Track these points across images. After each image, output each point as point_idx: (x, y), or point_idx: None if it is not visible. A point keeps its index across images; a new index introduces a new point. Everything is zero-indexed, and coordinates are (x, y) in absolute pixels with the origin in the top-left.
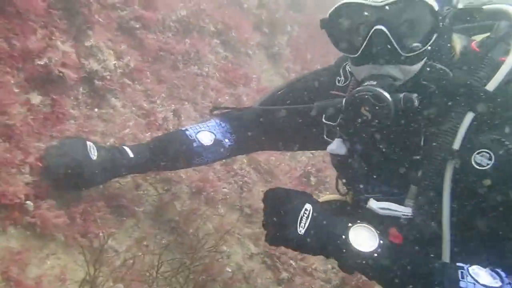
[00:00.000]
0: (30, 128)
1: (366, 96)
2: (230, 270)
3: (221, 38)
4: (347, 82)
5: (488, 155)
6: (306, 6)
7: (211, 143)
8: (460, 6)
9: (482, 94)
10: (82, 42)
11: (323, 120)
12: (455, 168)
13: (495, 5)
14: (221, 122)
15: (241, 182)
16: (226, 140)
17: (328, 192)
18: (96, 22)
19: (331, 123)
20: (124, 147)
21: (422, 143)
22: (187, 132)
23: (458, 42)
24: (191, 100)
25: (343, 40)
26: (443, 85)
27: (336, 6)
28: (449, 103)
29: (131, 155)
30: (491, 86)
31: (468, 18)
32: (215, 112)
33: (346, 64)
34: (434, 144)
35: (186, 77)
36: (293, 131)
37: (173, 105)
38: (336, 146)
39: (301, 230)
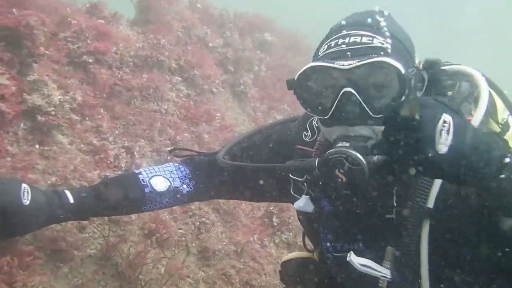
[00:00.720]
0: None
1: (340, 159)
2: None
3: (183, 75)
4: (314, 137)
5: None
6: (273, 47)
7: (165, 189)
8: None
9: None
10: (26, 75)
11: (290, 175)
12: (432, 225)
13: (455, 65)
14: (180, 166)
15: (198, 223)
16: (184, 186)
17: (290, 233)
18: (43, 55)
19: (298, 179)
20: (66, 191)
21: (394, 202)
22: (140, 176)
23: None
24: (147, 137)
25: (312, 102)
26: None
27: (304, 68)
28: None
29: (71, 200)
30: None
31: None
32: (174, 153)
33: (313, 119)
34: (408, 203)
35: (142, 114)
36: (257, 184)
37: (126, 142)
38: (304, 203)
39: None
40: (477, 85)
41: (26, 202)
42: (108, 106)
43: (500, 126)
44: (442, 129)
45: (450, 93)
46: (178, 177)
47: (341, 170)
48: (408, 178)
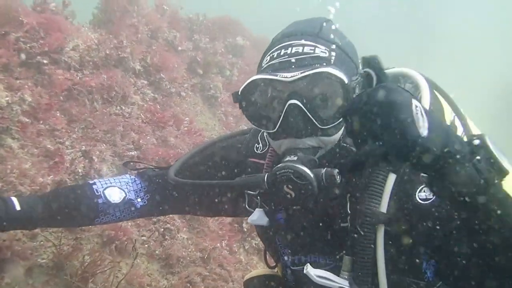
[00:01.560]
0: None
1: (287, 174)
2: None
3: (149, 78)
4: (266, 149)
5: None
6: (245, 51)
7: (119, 201)
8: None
9: None
10: None
11: (243, 190)
12: (387, 231)
13: (395, 68)
14: (136, 179)
15: (162, 229)
16: (139, 200)
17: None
18: None
19: (252, 192)
20: (12, 198)
21: (348, 209)
22: (94, 186)
23: None
24: (109, 141)
25: (258, 116)
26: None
27: (247, 82)
28: (371, 167)
29: (17, 207)
30: None
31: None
32: (129, 166)
33: (263, 131)
34: (360, 209)
35: (103, 117)
36: (210, 200)
37: (84, 147)
38: (257, 216)
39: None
40: (419, 86)
41: None
42: (65, 109)
43: None
44: (416, 113)
45: None
46: (133, 190)
47: (289, 186)
48: (361, 182)
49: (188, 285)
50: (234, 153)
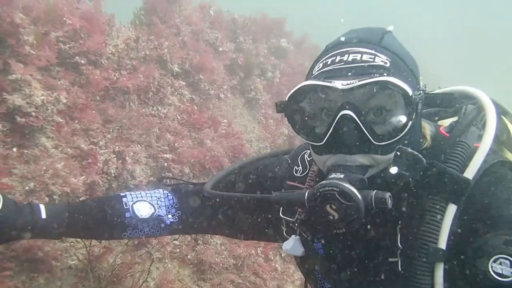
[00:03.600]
0: None
1: (332, 193)
2: None
3: (187, 80)
4: (306, 172)
5: (509, 262)
6: (288, 54)
7: (147, 216)
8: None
9: (463, 184)
10: (8, 74)
11: (280, 215)
12: (446, 270)
13: (458, 87)
14: (168, 194)
15: (195, 234)
16: (170, 216)
17: None
18: (27, 54)
19: (289, 219)
20: (40, 205)
21: (399, 242)
22: (123, 199)
23: (426, 127)
24: (144, 142)
25: (305, 126)
26: (418, 173)
27: (296, 88)
28: (428, 195)
29: (43, 216)
30: (468, 175)
31: (437, 102)
32: (163, 182)
33: (305, 153)
34: (415, 245)
35: (139, 118)
36: (246, 221)
37: (117, 147)
38: (291, 245)
39: None
40: (483, 107)
41: None
42: (101, 109)
43: None
44: None
45: (455, 118)
46: (165, 205)
47: (333, 206)
48: (416, 213)
49: None
50: (271, 174)
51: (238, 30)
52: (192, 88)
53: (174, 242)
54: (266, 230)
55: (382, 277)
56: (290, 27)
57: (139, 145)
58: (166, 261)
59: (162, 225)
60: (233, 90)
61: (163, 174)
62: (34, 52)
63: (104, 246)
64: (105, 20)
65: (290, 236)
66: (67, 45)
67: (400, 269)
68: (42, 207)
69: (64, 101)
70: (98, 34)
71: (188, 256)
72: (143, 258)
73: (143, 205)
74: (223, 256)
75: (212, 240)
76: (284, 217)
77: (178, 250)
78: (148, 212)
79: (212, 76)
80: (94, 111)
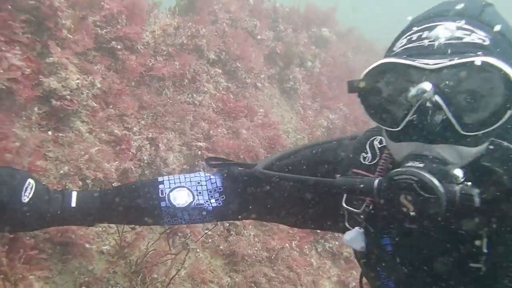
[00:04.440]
0: None
1: (408, 182)
2: None
3: (224, 67)
4: (375, 161)
5: None
6: (330, 43)
7: (185, 205)
8: None
9: None
10: (45, 58)
11: (343, 204)
12: None
13: None
14: (211, 177)
15: (228, 224)
16: (212, 201)
17: (336, 242)
18: (65, 38)
19: (353, 210)
20: (73, 192)
21: (484, 247)
22: (160, 186)
23: None
24: (178, 130)
25: (380, 109)
26: None
27: (373, 66)
28: None
29: (73, 204)
30: None
31: None
32: (209, 164)
33: (374, 139)
34: (506, 254)
35: (174, 105)
36: (301, 207)
37: (151, 134)
38: (352, 237)
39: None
40: None
41: (26, 199)
42: (136, 95)
43: None
44: None
45: None
46: (207, 190)
47: (408, 197)
48: (504, 215)
49: (253, 285)
50: (333, 160)
51: (280, 19)
52: (228, 76)
53: (206, 232)
54: (323, 219)
55: (459, 283)
56: (339, 18)
57: (173, 133)
58: (198, 250)
59: (204, 213)
60: (271, 79)
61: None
62: (71, 36)
63: (136, 233)
64: (148, 7)
65: (352, 228)
66: (104, 30)
67: (483, 278)
68: (74, 194)
69: (99, 85)
70: (137, 20)
71: (221, 247)
72: (175, 247)
73: (181, 193)
74: (256, 248)
75: (245, 232)
76: (347, 207)
77: (210, 240)
78: (186, 200)
79: (250, 65)
80: (129, 97)
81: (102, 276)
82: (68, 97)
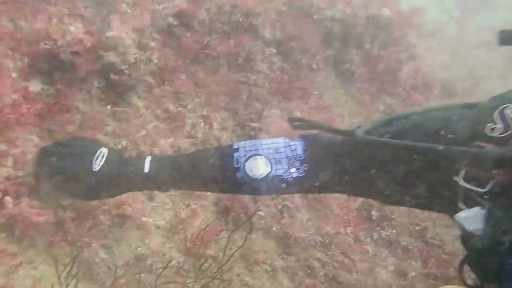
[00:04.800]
0: (21, 117)
1: None
2: None
3: (279, 47)
4: (508, 133)
5: None
6: (390, 25)
7: (262, 175)
8: None
9: None
10: (105, 32)
11: (461, 183)
12: None
13: None
14: (292, 144)
15: (281, 206)
16: (292, 170)
17: (393, 231)
18: (125, 13)
19: (475, 188)
20: (147, 157)
21: None
22: (235, 154)
23: None
24: (231, 109)
25: None
26: None
27: None
28: None
29: (146, 169)
30: None
31: None
32: (293, 125)
33: (507, 107)
34: None
35: (228, 84)
36: (408, 181)
37: (205, 112)
38: (468, 216)
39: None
40: None
41: (97, 168)
42: (191, 73)
43: None
44: None
45: None
46: (287, 158)
47: None
48: None
49: (307, 269)
50: (450, 129)
51: None
52: (283, 56)
53: (259, 212)
54: (431, 196)
55: None
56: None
57: (226, 112)
58: (251, 231)
59: (283, 185)
60: (327, 61)
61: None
62: (130, 11)
63: (191, 210)
64: None
65: (466, 207)
66: (161, 6)
67: None
68: (147, 160)
69: (156, 61)
70: None
71: (273, 229)
72: (229, 224)
73: (258, 162)
74: (310, 232)
75: (298, 215)
76: (467, 185)
77: (263, 221)
78: (264, 170)
79: (305, 45)
80: (184, 74)
81: (158, 249)
82: (126, 71)
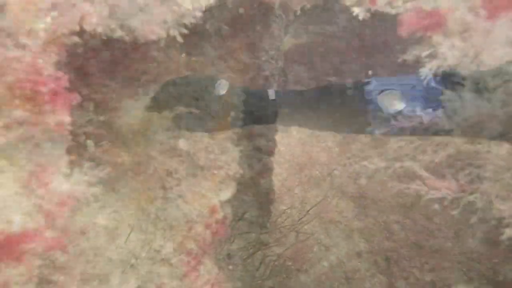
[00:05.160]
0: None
1: None
2: (326, 265)
3: None
4: None
5: None
6: None
7: (396, 111)
8: None
9: None
10: None
11: None
12: None
13: None
14: (429, 83)
15: (358, 166)
16: (429, 110)
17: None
18: None
19: None
20: (269, 90)
21: None
22: (366, 88)
23: None
24: (306, 64)
25: None
26: None
27: None
28: None
29: (273, 97)
30: None
31: None
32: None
33: None
34: None
35: (302, 36)
36: None
37: (280, 64)
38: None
39: None
40: None
41: (222, 92)
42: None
43: None
44: None
45: None
46: (422, 97)
47: None
48: None
49: (385, 232)
50: None
51: None
52: None
53: (334, 171)
54: None
55: None
56: None
57: (303, 66)
58: (325, 189)
59: (417, 124)
60: None
61: None
62: None
63: (263, 164)
64: None
65: None
66: None
67: None
68: (271, 91)
69: (230, 6)
70: None
71: (349, 188)
72: (302, 183)
73: (391, 97)
74: (390, 193)
75: (376, 175)
76: None
77: (337, 180)
78: (397, 107)
79: None
80: (258, 25)
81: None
82: (200, 18)
